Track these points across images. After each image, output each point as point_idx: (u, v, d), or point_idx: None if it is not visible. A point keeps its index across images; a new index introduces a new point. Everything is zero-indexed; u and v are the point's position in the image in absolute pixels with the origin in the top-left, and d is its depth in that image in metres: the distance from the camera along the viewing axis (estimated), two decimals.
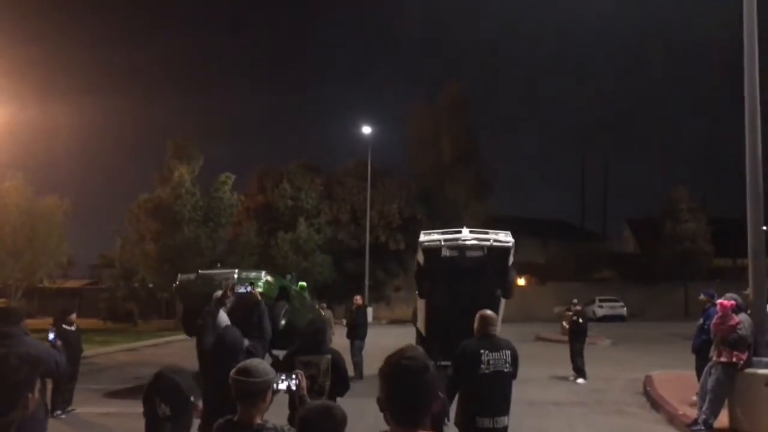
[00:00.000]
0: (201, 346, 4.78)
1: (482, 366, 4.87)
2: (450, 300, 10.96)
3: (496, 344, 5.01)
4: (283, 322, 11.91)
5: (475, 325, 5.14)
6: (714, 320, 7.99)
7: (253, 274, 11.90)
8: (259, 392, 2.83)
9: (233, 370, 2.91)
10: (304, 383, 3.51)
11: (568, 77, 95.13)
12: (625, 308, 37.96)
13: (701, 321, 9.46)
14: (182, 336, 13.07)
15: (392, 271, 39.24)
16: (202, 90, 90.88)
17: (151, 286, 31.73)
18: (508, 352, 5.01)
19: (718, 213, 42.91)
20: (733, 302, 7.86)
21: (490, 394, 4.85)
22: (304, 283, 15.82)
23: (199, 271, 12.76)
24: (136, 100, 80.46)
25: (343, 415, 2.57)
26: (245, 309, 4.98)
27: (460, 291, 10.92)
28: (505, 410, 4.99)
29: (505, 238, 10.70)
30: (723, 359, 7.71)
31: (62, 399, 9.65)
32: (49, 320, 11.16)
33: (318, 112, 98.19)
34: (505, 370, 4.98)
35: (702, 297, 9.83)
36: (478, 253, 10.51)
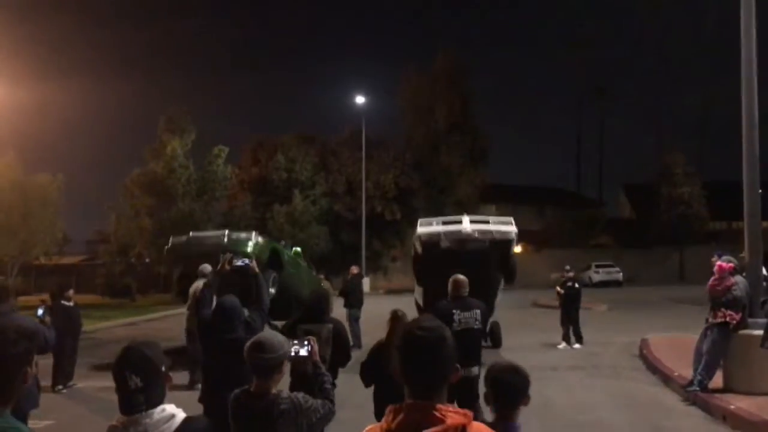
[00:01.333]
0: (200, 317, 4.79)
1: (454, 324, 5.49)
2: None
3: (467, 305, 5.71)
4: (272, 290, 11.66)
5: (449, 288, 5.85)
6: (710, 281, 8.02)
7: (243, 235, 11.97)
8: (274, 366, 2.98)
9: (248, 345, 3.00)
10: (316, 349, 3.60)
11: (564, 43, 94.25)
12: (621, 273, 38.19)
13: None
14: (181, 309, 13.07)
15: (389, 242, 39.29)
16: (195, 64, 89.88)
17: (148, 260, 31.75)
18: (478, 311, 5.70)
19: (714, 176, 43.00)
20: (731, 265, 7.90)
21: (462, 348, 5.08)
22: (299, 249, 15.61)
23: (191, 233, 12.74)
24: (129, 77, 79.63)
25: (527, 372, 2.88)
26: (243, 281, 4.97)
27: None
28: (475, 362, 5.67)
29: (507, 228, 10.21)
30: (718, 320, 7.79)
31: (64, 374, 9.75)
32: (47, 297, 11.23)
33: (312, 82, 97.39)
34: (475, 326, 5.67)
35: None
36: (479, 245, 10.00)
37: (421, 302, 11.66)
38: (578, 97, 59.51)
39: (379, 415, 5.89)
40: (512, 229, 10.22)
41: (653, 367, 10.12)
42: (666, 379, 9.25)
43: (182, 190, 29.30)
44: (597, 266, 38.53)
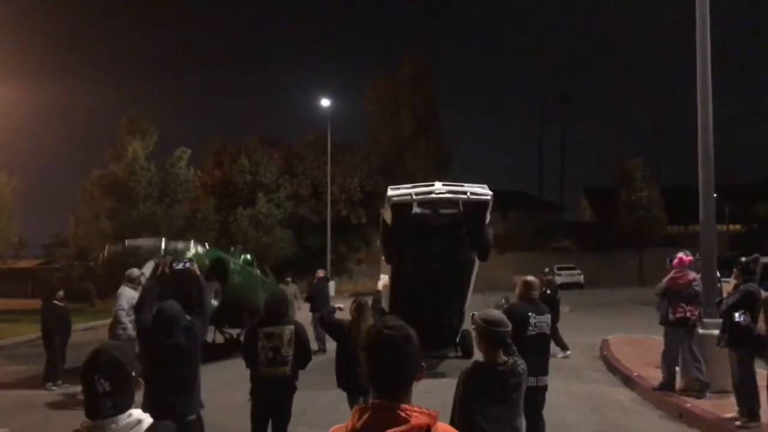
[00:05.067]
0: (139, 323, 4.61)
1: (529, 328, 5.00)
2: (420, 265, 10.05)
3: (539, 308, 5.20)
4: (215, 302, 11.07)
5: (518, 289, 5.36)
6: (671, 274, 8.03)
7: (180, 245, 11.45)
8: (506, 338, 3.44)
9: (484, 320, 3.41)
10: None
11: (525, 50, 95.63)
12: (582, 276, 38.87)
13: None
14: None
15: (354, 245, 39.24)
16: (157, 66, 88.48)
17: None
18: (549, 316, 5.25)
19: (671, 182, 44.21)
20: (691, 258, 7.98)
21: (536, 356, 4.88)
22: (249, 256, 14.82)
23: (126, 241, 12.13)
24: (89, 79, 77.96)
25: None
26: (183, 285, 4.76)
27: (431, 254, 10.07)
28: (546, 370, 5.24)
29: (482, 191, 9.57)
30: (677, 315, 7.81)
31: (56, 371, 9.98)
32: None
33: (276, 86, 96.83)
34: (547, 332, 5.25)
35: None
36: (452, 210, 9.41)
37: (387, 282, 10.92)
38: (540, 103, 60.54)
39: (341, 381, 6.03)
40: (487, 192, 9.59)
41: (613, 368, 10.31)
42: (626, 379, 9.44)
43: (143, 192, 28.74)
44: (559, 269, 39.13)
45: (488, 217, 9.93)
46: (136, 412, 2.08)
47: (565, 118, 60.86)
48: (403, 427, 1.68)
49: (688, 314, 7.76)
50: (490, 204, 9.61)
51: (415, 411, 1.72)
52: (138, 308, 4.67)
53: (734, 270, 6.85)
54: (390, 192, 9.67)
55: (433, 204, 9.38)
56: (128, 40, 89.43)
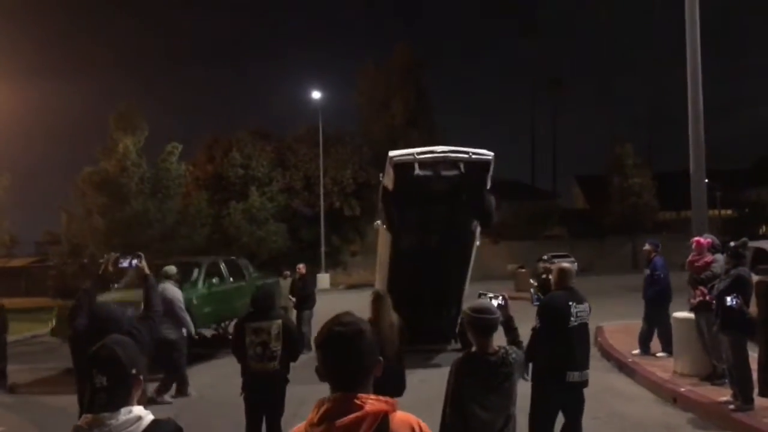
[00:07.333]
0: (73, 329, 4.07)
1: (572, 319, 4.77)
2: (420, 239, 10.04)
3: (579, 296, 4.94)
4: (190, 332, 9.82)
5: (555, 277, 5.09)
6: (689, 257, 7.88)
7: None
8: (495, 325, 3.42)
9: (470, 307, 3.41)
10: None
11: (514, 37, 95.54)
12: (575, 263, 38.95)
13: (648, 271, 9.70)
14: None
15: (348, 237, 39.21)
16: (145, 61, 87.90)
17: (101, 261, 30.93)
18: (588, 304, 4.99)
19: (663, 167, 44.38)
20: (709, 240, 7.75)
21: (579, 347, 4.77)
22: (224, 264, 13.80)
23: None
24: (78, 76, 77.39)
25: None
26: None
27: (432, 225, 10.05)
28: (588, 363, 4.96)
29: (483, 151, 9.50)
30: (698, 299, 7.61)
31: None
32: None
33: (267, 79, 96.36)
34: (587, 321, 4.99)
35: (647, 247, 9.90)
36: (453, 172, 9.23)
37: (386, 266, 10.60)
38: (533, 90, 60.57)
39: None
40: (489, 153, 9.47)
41: (608, 354, 10.37)
42: (620, 365, 9.50)
43: (135, 188, 28.64)
44: (552, 256, 39.29)
45: (489, 183, 9.84)
46: (137, 409, 2.10)
47: (556, 103, 60.89)
48: (358, 414, 1.69)
49: (707, 298, 7.37)
50: (492, 166, 9.53)
51: (371, 398, 1.74)
52: (72, 311, 4.16)
53: (724, 255, 6.86)
54: (392, 153, 9.52)
55: (434, 165, 9.21)
56: (115, 35, 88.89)
